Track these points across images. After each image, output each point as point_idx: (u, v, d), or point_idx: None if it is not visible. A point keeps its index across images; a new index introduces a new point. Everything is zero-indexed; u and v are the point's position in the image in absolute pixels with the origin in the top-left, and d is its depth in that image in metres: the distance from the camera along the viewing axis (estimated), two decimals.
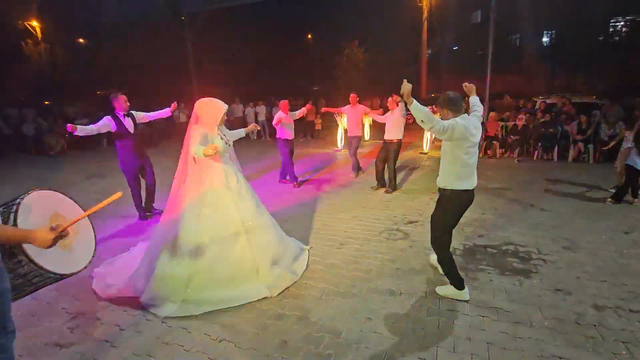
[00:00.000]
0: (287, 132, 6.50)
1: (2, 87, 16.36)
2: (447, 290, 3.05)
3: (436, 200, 3.07)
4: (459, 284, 2.98)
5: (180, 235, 3.10)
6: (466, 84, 3.27)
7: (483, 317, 2.76)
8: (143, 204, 5.12)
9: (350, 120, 7.07)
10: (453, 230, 3.04)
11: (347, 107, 7.07)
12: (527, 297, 3.02)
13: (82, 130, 4.26)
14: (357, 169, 7.35)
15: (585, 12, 18.50)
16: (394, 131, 6.03)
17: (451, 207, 2.91)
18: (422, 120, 2.56)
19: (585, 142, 8.32)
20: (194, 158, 3.13)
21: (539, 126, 8.83)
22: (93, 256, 2.52)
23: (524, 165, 8.21)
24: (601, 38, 21.08)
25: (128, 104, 4.71)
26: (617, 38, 21.07)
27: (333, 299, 3.06)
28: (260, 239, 3.33)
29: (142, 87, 17.78)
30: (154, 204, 5.24)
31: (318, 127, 14.90)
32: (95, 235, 2.66)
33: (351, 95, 7.02)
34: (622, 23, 20.76)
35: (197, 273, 3.04)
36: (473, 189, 2.89)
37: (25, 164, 10.00)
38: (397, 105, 6.03)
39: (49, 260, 2.09)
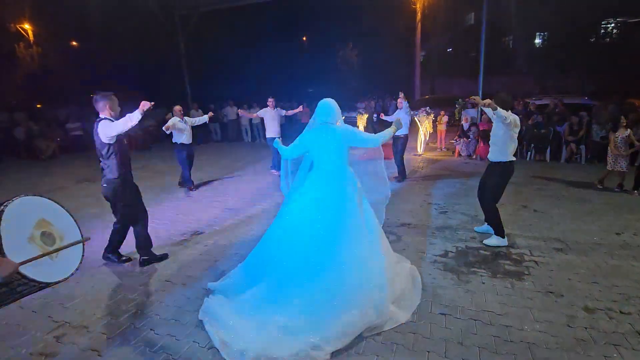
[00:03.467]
0: (182, 136, 6.62)
1: None
2: (491, 240, 4.06)
3: (490, 173, 4.14)
4: (502, 233, 4.03)
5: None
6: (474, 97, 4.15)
7: (475, 320, 2.75)
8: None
9: (269, 123, 7.72)
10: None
11: (265, 109, 7.76)
12: (519, 300, 3.01)
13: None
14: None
15: (577, 13, 18.69)
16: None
17: (508, 174, 4.04)
18: (505, 117, 3.58)
19: (577, 143, 8.37)
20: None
21: (532, 127, 8.89)
22: (81, 262, 2.48)
23: (517, 166, 8.19)
24: (593, 39, 21.30)
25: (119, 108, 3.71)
26: (607, 39, 21.31)
27: None
28: None
29: (134, 89, 17.66)
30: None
31: None
32: (83, 243, 2.62)
33: (269, 99, 7.75)
34: (612, 24, 21.00)
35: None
36: None
37: (16, 169, 9.87)
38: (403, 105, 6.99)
39: (35, 268, 2.05)
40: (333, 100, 3.10)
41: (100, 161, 3.54)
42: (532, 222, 4.73)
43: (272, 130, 7.71)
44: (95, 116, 3.80)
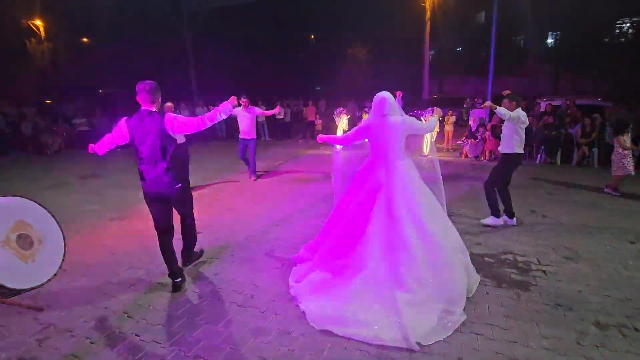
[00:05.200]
0: None
1: (6, 85, 16.35)
2: (487, 220, 4.62)
3: (499, 162, 4.70)
4: (497, 214, 4.60)
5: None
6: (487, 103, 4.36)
7: (477, 335, 2.58)
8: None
9: (243, 123, 7.14)
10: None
11: (238, 109, 6.96)
12: (524, 312, 2.83)
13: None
14: (254, 171, 7.49)
15: (591, 13, 18.19)
16: None
17: (513, 164, 4.53)
18: (504, 114, 4.19)
19: (590, 146, 8.10)
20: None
21: (542, 129, 8.63)
22: (60, 267, 2.38)
23: (526, 169, 7.98)
24: (607, 39, 20.73)
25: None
26: (623, 39, 20.73)
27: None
28: None
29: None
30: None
31: (319, 127, 14.78)
32: (65, 246, 2.52)
33: (242, 99, 7.03)
34: (628, 24, 20.42)
35: None
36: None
37: (21, 163, 9.91)
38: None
39: (8, 274, 1.95)
40: (388, 93, 3.26)
41: (160, 160, 3.13)
42: (540, 228, 4.52)
43: (243, 131, 7.15)
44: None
